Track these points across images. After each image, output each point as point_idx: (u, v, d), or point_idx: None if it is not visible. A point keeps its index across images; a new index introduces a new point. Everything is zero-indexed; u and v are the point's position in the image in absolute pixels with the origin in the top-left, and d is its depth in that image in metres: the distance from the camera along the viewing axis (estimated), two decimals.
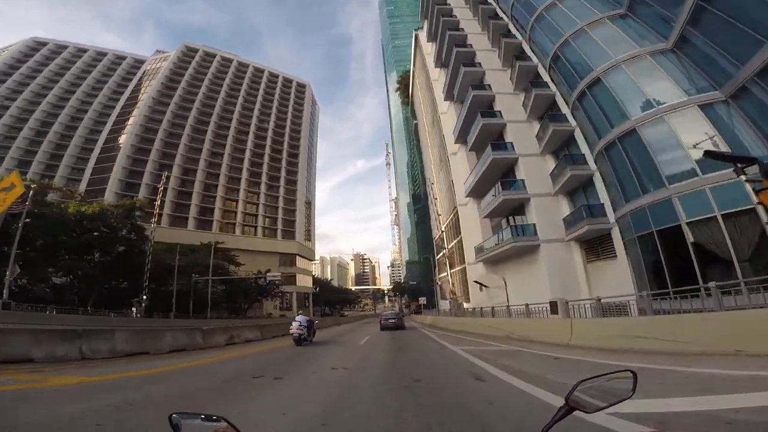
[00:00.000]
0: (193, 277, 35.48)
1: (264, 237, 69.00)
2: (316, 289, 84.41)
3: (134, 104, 77.36)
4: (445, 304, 42.65)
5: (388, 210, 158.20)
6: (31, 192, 22.92)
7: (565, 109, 23.12)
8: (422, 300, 41.98)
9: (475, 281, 25.25)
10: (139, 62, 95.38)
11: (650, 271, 14.75)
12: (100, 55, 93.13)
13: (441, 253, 43.68)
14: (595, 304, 10.74)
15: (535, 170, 23.47)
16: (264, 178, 75.03)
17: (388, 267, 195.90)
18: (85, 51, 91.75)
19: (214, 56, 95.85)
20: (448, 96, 38.09)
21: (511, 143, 25.41)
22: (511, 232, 20.85)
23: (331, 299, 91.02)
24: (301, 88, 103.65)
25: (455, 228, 33.55)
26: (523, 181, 23.05)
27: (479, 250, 26.36)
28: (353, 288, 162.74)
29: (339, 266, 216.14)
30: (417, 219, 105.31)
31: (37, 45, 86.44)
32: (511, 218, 24.33)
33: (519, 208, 23.38)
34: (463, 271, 30.90)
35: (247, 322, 29.44)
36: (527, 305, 14.46)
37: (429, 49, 51.15)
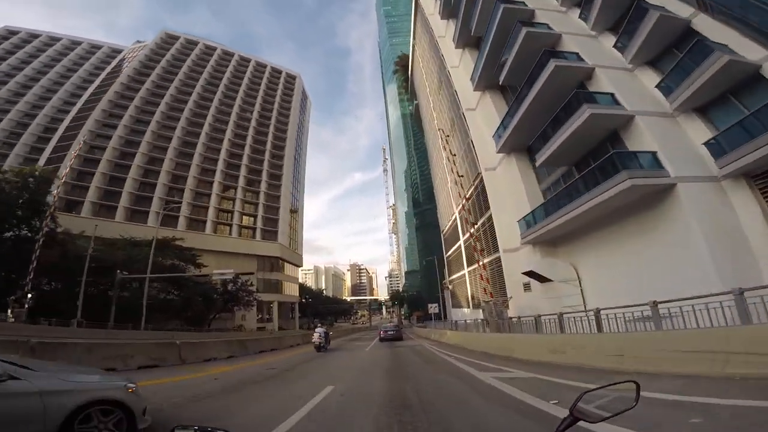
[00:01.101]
0: (119, 275, 25.74)
1: (240, 237, 58.99)
2: (304, 298, 74.41)
3: (104, 92, 68.59)
4: (458, 314, 32.92)
5: (386, 219, 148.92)
6: None
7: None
8: (434, 308, 31.47)
9: (529, 273, 15.60)
10: (116, 52, 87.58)
11: None
12: (75, 44, 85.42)
13: (453, 248, 34.15)
14: None
15: (625, 87, 14.36)
16: (243, 171, 65.38)
17: (386, 278, 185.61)
18: (58, 40, 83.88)
19: (196, 44, 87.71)
20: (461, 38, 29.78)
21: (576, 54, 16.45)
22: (626, 160, 11.38)
23: (321, 310, 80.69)
24: (291, 79, 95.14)
25: (479, 204, 24.02)
26: (612, 95, 13.91)
27: (528, 224, 16.86)
28: (349, 299, 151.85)
29: (334, 276, 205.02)
30: (417, 223, 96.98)
31: (8, 34, 78.69)
32: (585, 164, 14.91)
33: (608, 140, 14.09)
34: (496, 264, 21.30)
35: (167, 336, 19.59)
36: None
37: (432, 8, 43.35)
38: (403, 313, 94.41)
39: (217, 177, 62.06)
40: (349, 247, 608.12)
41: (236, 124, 72.49)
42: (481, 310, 17.47)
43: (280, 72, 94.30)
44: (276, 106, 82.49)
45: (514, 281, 18.12)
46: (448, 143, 26.69)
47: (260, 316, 56.15)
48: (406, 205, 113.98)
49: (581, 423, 1.12)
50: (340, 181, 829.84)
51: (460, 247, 30.16)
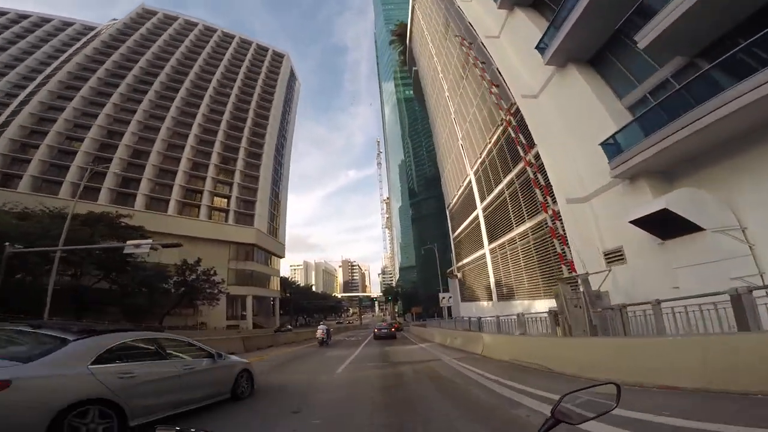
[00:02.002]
0: (8, 249, 18.45)
1: (211, 221, 51.26)
2: (287, 293, 67.16)
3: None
4: (471, 309, 26.01)
5: (380, 214, 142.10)
6: None
7: None
8: (446, 299, 23.67)
9: (659, 216, 8.24)
10: (88, 29, 79.37)
11: None
12: (44, 21, 77.23)
13: (466, 223, 27.11)
14: None
15: None
16: (218, 147, 57.63)
17: (378, 275, 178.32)
18: (26, 17, 75.73)
19: (175, 19, 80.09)
20: None
21: None
22: None
23: (306, 306, 73.35)
24: (278, 57, 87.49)
25: (521, 137, 16.45)
26: None
27: (620, 148, 9.93)
28: (340, 295, 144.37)
29: (326, 272, 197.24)
30: (413, 214, 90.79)
31: None
32: (720, 50, 8.05)
33: None
34: (541, 228, 14.28)
35: None
36: None
37: None
38: (397, 310, 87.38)
39: (187, 153, 54.40)
40: (342, 244, 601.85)
41: (213, 99, 65.04)
42: (553, 298, 10.30)
43: (266, 50, 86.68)
44: (260, 83, 74.92)
45: (586, 247, 11.21)
46: (471, 48, 19.67)
47: (232, 312, 48.76)
48: (400, 201, 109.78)
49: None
50: (334, 179, 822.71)
51: (477, 218, 23.09)
